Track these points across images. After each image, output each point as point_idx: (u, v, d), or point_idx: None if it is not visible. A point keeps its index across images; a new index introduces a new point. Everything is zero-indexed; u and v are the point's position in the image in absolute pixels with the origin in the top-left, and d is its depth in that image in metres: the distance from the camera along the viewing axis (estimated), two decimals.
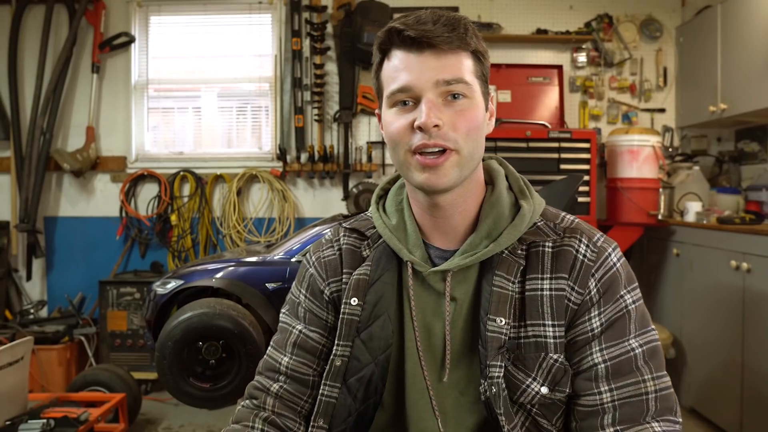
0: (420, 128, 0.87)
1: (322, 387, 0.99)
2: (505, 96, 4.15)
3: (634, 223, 3.76)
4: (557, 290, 0.92)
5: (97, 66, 4.16)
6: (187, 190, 4.22)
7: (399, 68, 0.90)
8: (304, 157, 4.16)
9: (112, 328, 3.78)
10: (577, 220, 1.00)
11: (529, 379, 0.91)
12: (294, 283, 1.11)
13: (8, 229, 4.16)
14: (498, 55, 4.21)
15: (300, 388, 1.03)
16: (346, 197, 4.14)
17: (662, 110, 4.19)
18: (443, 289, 0.96)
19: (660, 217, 3.62)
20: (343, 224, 1.09)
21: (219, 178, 4.21)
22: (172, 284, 2.12)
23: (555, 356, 0.92)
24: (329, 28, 4.17)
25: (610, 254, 0.94)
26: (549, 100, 4.17)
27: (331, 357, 0.99)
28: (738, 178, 3.94)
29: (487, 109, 0.95)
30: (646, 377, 0.90)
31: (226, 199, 4.15)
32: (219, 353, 1.98)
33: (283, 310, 1.10)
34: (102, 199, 4.25)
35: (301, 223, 4.21)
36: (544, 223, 0.97)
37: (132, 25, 4.25)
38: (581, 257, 0.93)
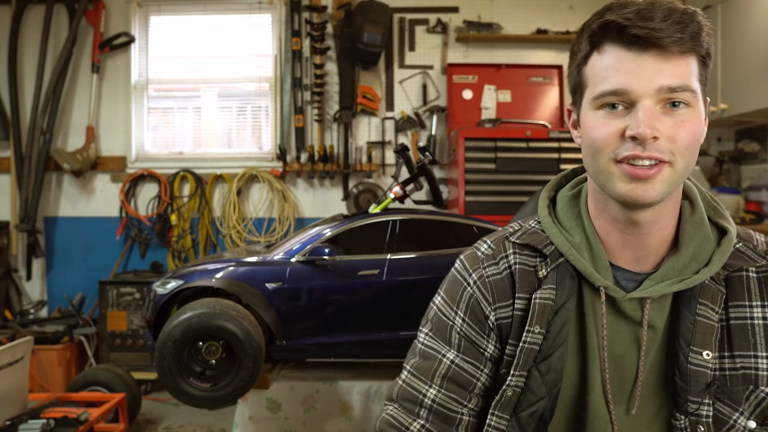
0: (633, 138, 0.78)
1: (489, 417, 0.91)
2: (505, 96, 4.15)
3: None
4: None
5: (97, 66, 4.16)
6: (187, 190, 4.22)
7: (613, 68, 0.80)
8: (304, 157, 4.16)
9: (112, 328, 3.78)
10: None
11: (736, 414, 0.85)
12: (441, 299, 0.98)
13: (8, 229, 4.16)
14: (498, 55, 4.21)
15: (445, 427, 0.92)
16: (346, 197, 4.14)
17: None
18: (640, 316, 0.88)
19: None
20: (510, 238, 0.96)
21: (219, 178, 4.21)
22: (172, 284, 2.12)
23: (767, 389, 0.85)
24: (329, 28, 4.17)
25: None
26: (549, 100, 4.17)
27: (503, 387, 0.91)
28: (738, 178, 3.94)
29: (705, 116, 0.85)
30: None
31: (226, 199, 4.15)
32: (219, 353, 1.98)
33: (424, 330, 0.98)
34: (102, 199, 4.25)
35: (301, 223, 4.21)
36: (742, 244, 0.89)
37: (132, 25, 4.25)
38: None
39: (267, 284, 2.03)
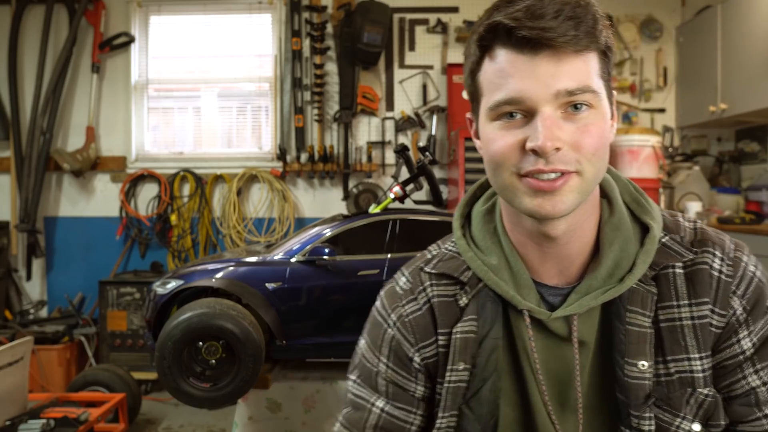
0: (534, 151, 0.71)
1: None
2: None
3: None
4: (700, 318, 0.79)
5: (97, 66, 4.16)
6: (187, 190, 4.22)
7: (506, 73, 0.72)
8: (304, 157, 4.16)
9: (112, 328, 3.78)
10: (699, 226, 0.84)
11: (678, 419, 0.79)
12: (364, 342, 0.92)
13: (8, 229, 4.16)
14: None
15: None
16: (346, 197, 4.14)
17: (662, 110, 4.19)
18: (567, 333, 0.82)
19: None
20: (425, 268, 0.88)
21: (219, 178, 4.21)
22: (172, 284, 2.12)
23: (705, 391, 0.79)
24: (329, 28, 4.17)
25: (746, 264, 0.81)
26: None
27: (434, 430, 0.85)
28: (738, 178, 3.94)
29: (612, 115, 0.78)
30: None
31: (226, 199, 4.15)
32: (219, 353, 1.98)
33: (352, 377, 0.92)
34: (102, 199, 4.26)
35: (301, 223, 4.21)
36: (669, 238, 0.82)
37: (132, 25, 4.25)
38: (717, 274, 0.79)
39: (267, 284, 2.03)
